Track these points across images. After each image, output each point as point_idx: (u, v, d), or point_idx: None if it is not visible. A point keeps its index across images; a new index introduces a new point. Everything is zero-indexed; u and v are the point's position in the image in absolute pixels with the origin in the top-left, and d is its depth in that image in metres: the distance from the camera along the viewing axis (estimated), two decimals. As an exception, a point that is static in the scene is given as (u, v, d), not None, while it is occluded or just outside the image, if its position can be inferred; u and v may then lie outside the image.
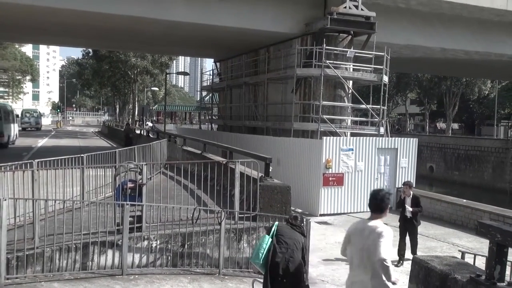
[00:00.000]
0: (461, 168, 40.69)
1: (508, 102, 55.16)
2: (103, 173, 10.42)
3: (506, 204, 26.97)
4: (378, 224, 4.49)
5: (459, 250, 7.96)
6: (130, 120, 53.19)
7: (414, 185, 18.26)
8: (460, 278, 3.94)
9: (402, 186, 11.58)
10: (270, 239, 5.71)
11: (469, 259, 7.90)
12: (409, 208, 10.68)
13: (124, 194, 7.92)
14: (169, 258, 8.11)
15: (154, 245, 7.98)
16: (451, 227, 14.55)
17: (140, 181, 8.22)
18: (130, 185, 8.07)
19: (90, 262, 7.39)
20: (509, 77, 41.64)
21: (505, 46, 22.88)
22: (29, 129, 52.86)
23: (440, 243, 12.75)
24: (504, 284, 3.61)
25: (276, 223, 6.13)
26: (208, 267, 8.33)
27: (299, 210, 16.10)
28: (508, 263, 5.01)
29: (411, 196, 10.86)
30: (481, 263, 7.23)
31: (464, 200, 16.08)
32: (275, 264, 5.58)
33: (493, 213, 13.86)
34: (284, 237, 5.73)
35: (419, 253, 10.26)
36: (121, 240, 7.44)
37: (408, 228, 10.75)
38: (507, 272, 4.36)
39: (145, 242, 7.88)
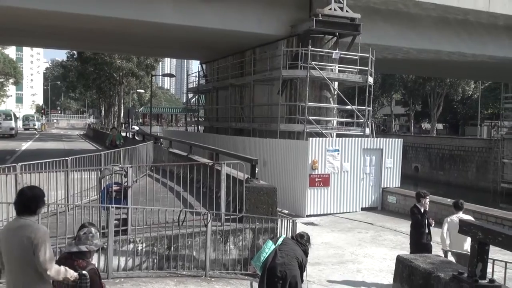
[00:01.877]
0: (445, 167, 41.13)
1: (491, 102, 55.89)
2: (88, 176, 10.34)
3: (490, 203, 27.34)
4: (465, 217, 8.34)
5: (442, 249, 8.05)
6: (116, 122, 52.82)
7: (399, 185, 18.52)
8: (443, 276, 3.99)
9: (423, 199, 9.06)
10: (274, 245, 6.16)
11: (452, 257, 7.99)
12: (431, 222, 9.15)
13: (109, 197, 7.87)
14: (155, 261, 8.08)
15: (140, 248, 7.94)
16: (436, 226, 14.60)
17: (126, 183, 8.18)
18: (115, 188, 8.03)
19: (75, 266, 7.32)
20: (492, 77, 42.24)
21: (488, 47, 23.18)
22: (29, 129, 66.06)
23: (425, 242, 12.83)
24: (486, 281, 3.67)
25: (283, 236, 6.76)
26: (195, 269, 8.31)
27: (286, 211, 16.14)
28: (490, 260, 5.10)
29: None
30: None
31: (448, 200, 16.22)
32: (274, 265, 5.93)
33: (476, 212, 14.01)
34: (286, 246, 6.18)
35: (403, 252, 10.32)
36: (106, 244, 7.39)
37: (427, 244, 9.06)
38: (489, 269, 4.43)
39: (131, 245, 7.84)
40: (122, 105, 55.30)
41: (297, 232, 7.57)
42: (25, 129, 64.92)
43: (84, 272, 4.05)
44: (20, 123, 64.02)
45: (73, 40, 25.46)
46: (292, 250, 6.16)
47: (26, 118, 73.07)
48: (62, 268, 3.95)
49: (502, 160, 34.63)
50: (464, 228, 3.98)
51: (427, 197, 9.08)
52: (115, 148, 18.24)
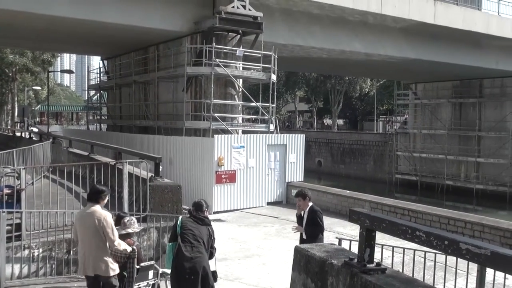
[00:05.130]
0: (346, 161, 43.33)
1: (386, 99, 59.75)
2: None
3: (386, 193, 29.31)
4: None
5: (336, 237, 8.53)
6: (10, 122, 49.22)
7: (302, 179, 19.14)
8: (336, 262, 4.22)
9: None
10: (175, 245, 5.86)
11: (352, 245, 8.46)
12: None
13: (0, 201, 7.38)
14: (54, 266, 7.71)
15: (36, 253, 7.53)
16: (337, 217, 15.44)
17: (18, 186, 7.71)
18: (6, 191, 7.55)
19: (-39, 277, 6.81)
20: (387, 76, 45.09)
21: (382, 47, 24.62)
22: None
23: (327, 232, 13.32)
24: (373, 265, 3.95)
25: (180, 218, 6.22)
26: (97, 272, 8.05)
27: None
28: (380, 246, 5.52)
29: (307, 210, 7.64)
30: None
31: (348, 191, 17.16)
32: (181, 262, 5.72)
33: (373, 202, 14.96)
34: (188, 235, 5.84)
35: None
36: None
37: None
38: (386, 255, 4.77)
39: (26, 251, 7.42)
40: (16, 103, 51.56)
41: (194, 205, 6.42)
42: None
43: (134, 247, 6.08)
44: None
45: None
46: (195, 235, 5.86)
47: None
48: (122, 242, 6.08)
49: (396, 152, 37.20)
50: (354, 216, 4.24)
51: (297, 198, 7.88)
52: None
